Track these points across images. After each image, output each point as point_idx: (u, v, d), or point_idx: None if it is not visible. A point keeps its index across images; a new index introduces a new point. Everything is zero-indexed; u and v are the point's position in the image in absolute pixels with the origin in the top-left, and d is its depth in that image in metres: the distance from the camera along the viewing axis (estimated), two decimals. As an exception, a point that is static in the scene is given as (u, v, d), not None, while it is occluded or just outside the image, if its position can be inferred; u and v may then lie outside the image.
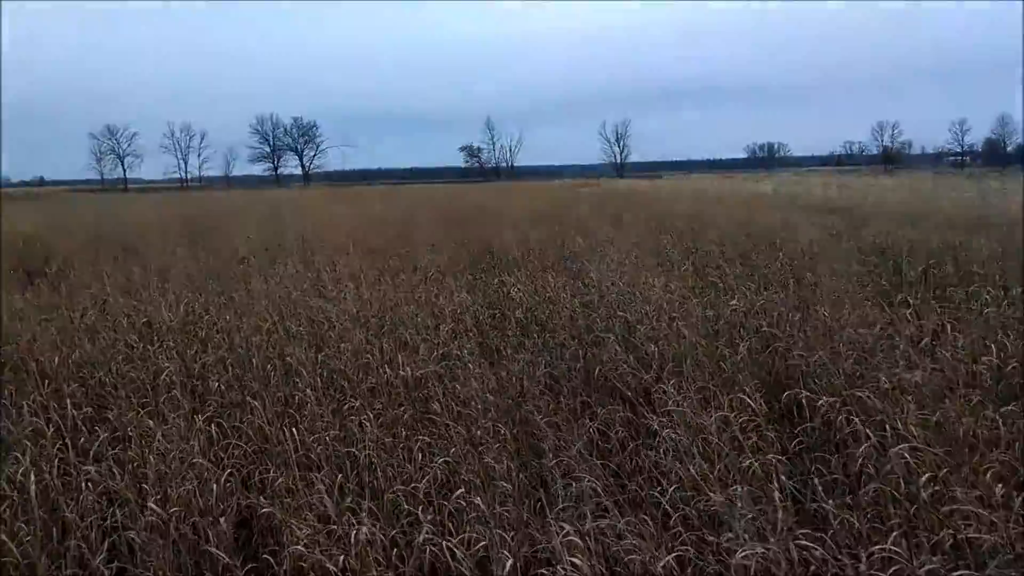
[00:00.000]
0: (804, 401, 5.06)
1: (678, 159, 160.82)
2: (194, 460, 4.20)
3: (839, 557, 3.29)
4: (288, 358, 6.17)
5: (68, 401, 5.04)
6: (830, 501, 3.76)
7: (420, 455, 4.51)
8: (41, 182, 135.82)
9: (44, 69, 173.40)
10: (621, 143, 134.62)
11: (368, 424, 4.81)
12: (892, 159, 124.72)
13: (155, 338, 6.89)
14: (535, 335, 7.15)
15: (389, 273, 9.95)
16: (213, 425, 4.82)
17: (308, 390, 5.42)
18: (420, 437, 4.70)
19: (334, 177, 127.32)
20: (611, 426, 5.04)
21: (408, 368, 5.85)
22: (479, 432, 4.92)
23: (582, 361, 6.28)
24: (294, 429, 4.67)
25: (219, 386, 5.64)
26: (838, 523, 3.58)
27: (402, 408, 5.16)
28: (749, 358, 5.91)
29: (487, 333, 7.43)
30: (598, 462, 4.44)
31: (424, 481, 4.12)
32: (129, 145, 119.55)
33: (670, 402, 5.01)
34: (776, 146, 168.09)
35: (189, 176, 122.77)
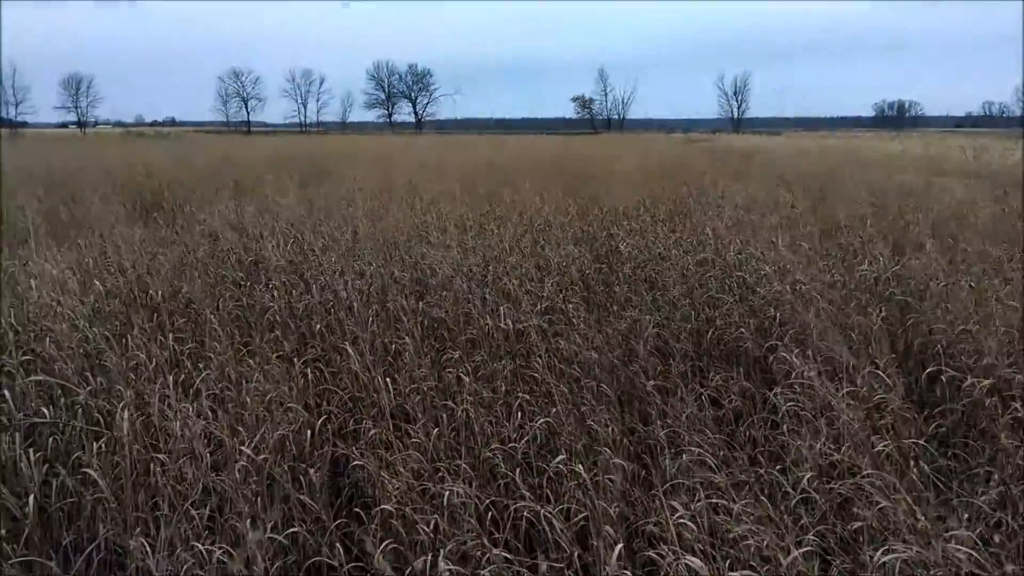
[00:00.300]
0: (946, 380, 4.56)
1: (800, 115, 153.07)
2: (290, 404, 4.11)
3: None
4: (389, 304, 6.05)
5: (171, 336, 5.07)
6: (982, 496, 3.31)
7: (519, 413, 4.28)
8: (172, 122, 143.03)
9: (179, 14, 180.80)
10: (740, 97, 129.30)
11: (467, 377, 4.61)
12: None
13: (261, 276, 6.92)
14: (644, 292, 6.79)
15: (495, 222, 9.71)
16: (311, 369, 4.74)
17: (407, 338, 5.26)
18: (520, 394, 4.48)
19: (446, 125, 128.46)
20: (724, 395, 4.68)
21: (510, 320, 5.61)
22: (582, 392, 4.66)
23: (693, 323, 5.88)
24: (390, 379, 4.52)
25: (320, 328, 5.57)
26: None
27: (503, 363, 4.92)
28: (883, 328, 5.36)
29: (593, 288, 7.13)
30: (709, 434, 4.08)
31: (523, 442, 3.89)
32: (253, 88, 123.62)
33: (792, 373, 4.58)
34: (908, 104, 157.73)
35: (308, 121, 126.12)
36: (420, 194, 12.54)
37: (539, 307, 6.14)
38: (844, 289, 6.24)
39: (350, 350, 4.84)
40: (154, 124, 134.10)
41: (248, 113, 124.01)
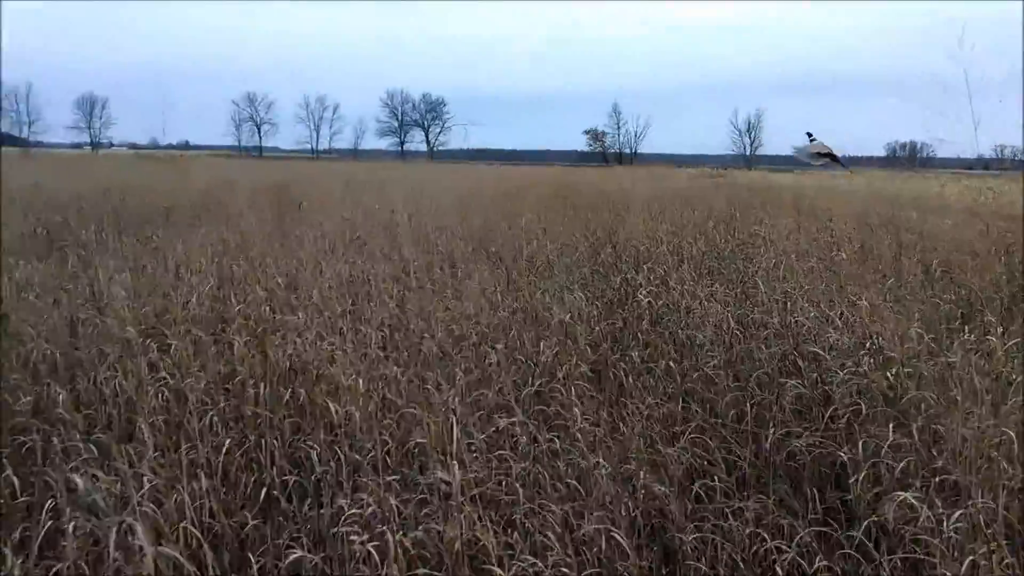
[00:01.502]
0: None
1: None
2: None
3: None
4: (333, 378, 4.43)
5: None
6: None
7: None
8: (186, 145, 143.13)
9: (193, 39, 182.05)
10: (752, 134, 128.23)
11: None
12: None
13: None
14: (671, 358, 5.17)
15: (487, 264, 8.09)
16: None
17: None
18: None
19: (457, 154, 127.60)
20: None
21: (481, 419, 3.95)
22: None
23: (750, 415, 4.21)
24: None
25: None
26: None
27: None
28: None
29: (604, 352, 5.51)
30: None
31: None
32: (267, 113, 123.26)
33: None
34: (920, 145, 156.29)
35: (320, 147, 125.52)
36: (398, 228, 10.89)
37: (530, 384, 4.51)
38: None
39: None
40: (168, 147, 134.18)
41: (260, 138, 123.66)
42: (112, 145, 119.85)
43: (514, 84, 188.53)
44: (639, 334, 5.88)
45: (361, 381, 4.15)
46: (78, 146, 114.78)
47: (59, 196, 14.03)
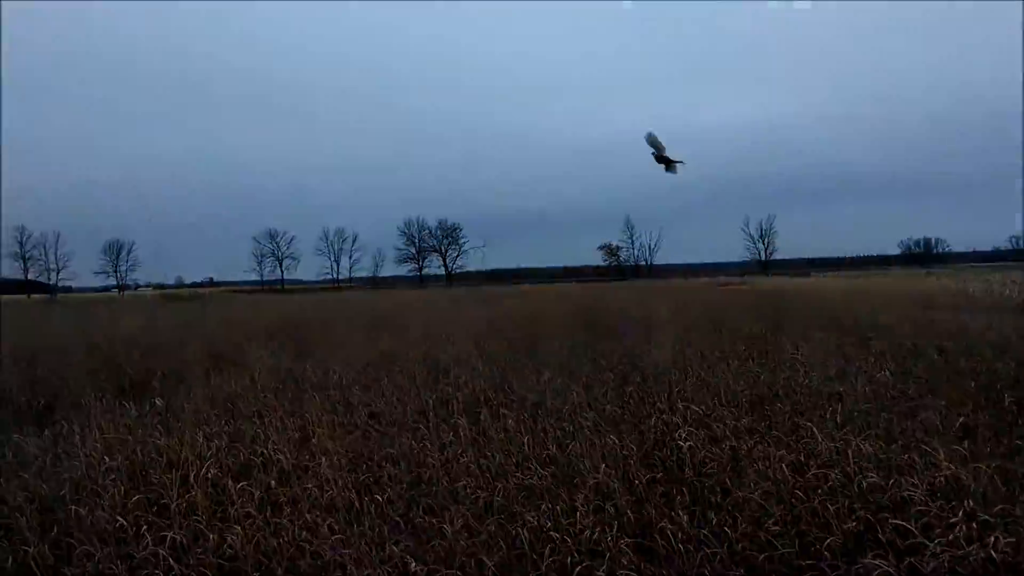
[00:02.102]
0: None
1: (825, 255, 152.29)
2: None
3: None
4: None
5: None
6: None
7: None
8: (211, 282, 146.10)
9: (213, 181, 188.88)
10: (766, 239, 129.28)
11: None
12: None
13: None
14: (721, 517, 4.58)
15: (508, 407, 7.56)
16: None
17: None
18: None
19: (473, 275, 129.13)
20: None
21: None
22: None
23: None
24: None
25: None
26: None
27: None
28: None
29: (644, 507, 4.93)
30: None
31: None
32: (288, 248, 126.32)
33: None
34: (934, 241, 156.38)
35: (340, 276, 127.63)
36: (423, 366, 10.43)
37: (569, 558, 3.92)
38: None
39: None
40: (192, 285, 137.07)
41: (283, 272, 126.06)
42: (138, 287, 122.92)
43: (528, 204, 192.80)
44: (683, 487, 5.29)
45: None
46: (106, 289, 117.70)
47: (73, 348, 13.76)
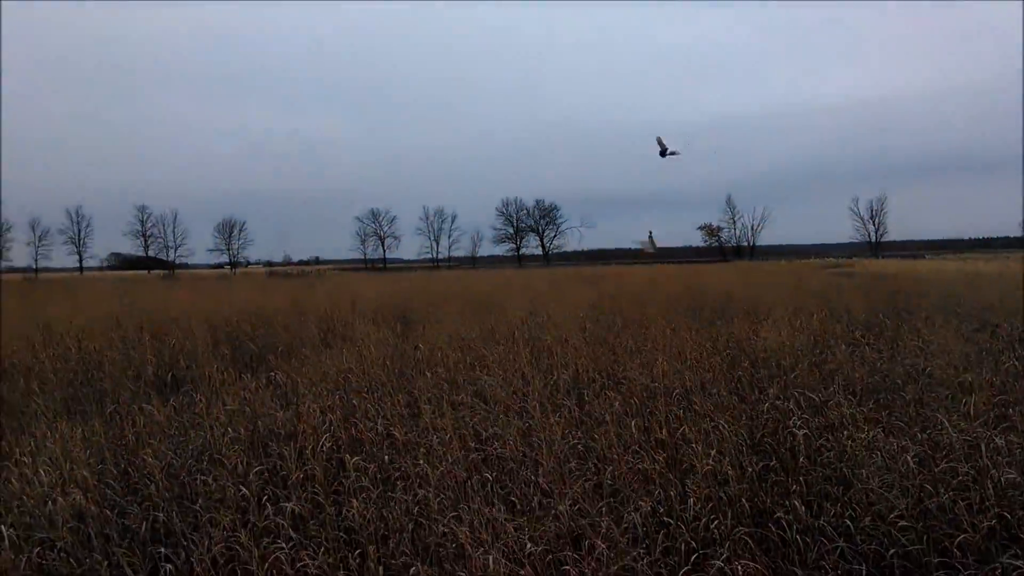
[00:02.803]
0: None
1: (940, 236, 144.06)
2: None
3: None
4: None
5: None
6: None
7: None
8: (316, 261, 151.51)
9: (325, 165, 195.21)
10: (876, 220, 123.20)
11: None
12: None
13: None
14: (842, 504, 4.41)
15: (614, 389, 7.50)
16: None
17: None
18: None
19: (571, 256, 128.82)
20: None
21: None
22: None
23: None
24: None
25: None
26: None
27: None
28: None
29: (759, 496, 4.81)
30: None
31: None
32: (390, 227, 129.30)
33: None
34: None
35: (440, 256, 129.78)
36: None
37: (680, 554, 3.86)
38: None
39: None
40: (300, 263, 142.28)
41: (384, 251, 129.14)
42: (248, 264, 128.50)
43: (626, 183, 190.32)
44: (799, 476, 5.12)
45: (491, 557, 3.64)
46: (219, 266, 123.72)
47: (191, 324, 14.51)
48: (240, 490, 4.97)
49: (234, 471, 5.27)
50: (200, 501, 4.97)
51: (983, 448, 4.66)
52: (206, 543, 4.28)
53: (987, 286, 20.92)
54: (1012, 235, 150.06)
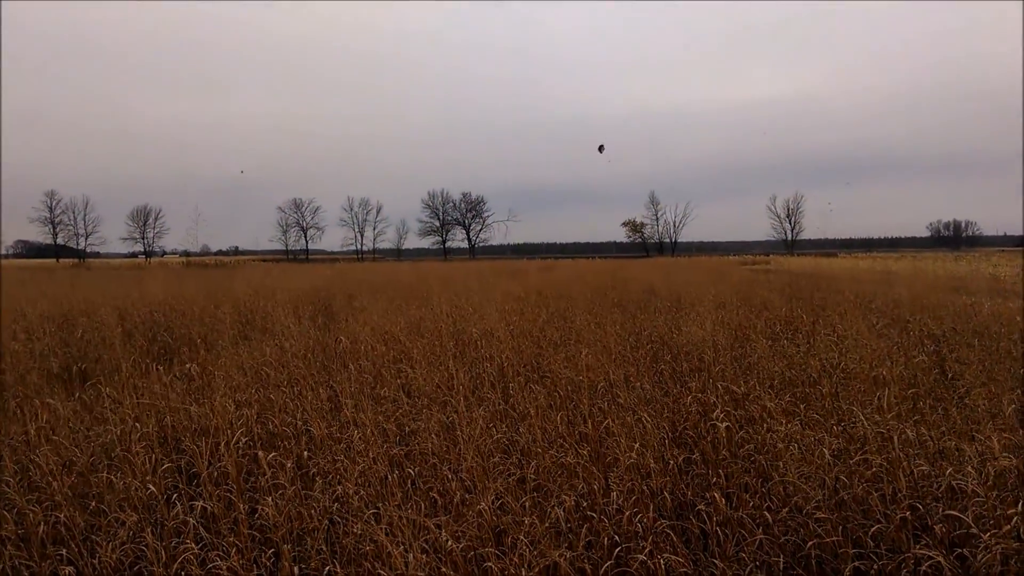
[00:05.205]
0: None
1: (851, 236, 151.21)
2: None
3: None
4: None
5: None
6: None
7: None
8: (235, 251, 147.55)
9: (239, 148, 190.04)
10: (792, 219, 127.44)
11: None
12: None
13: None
14: (759, 501, 4.47)
15: (539, 383, 7.46)
16: None
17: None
18: None
19: (497, 250, 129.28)
20: None
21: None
22: None
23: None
24: None
25: None
26: None
27: None
28: None
29: (680, 488, 4.84)
30: None
31: None
32: (313, 217, 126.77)
33: None
34: (964, 224, 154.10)
35: (364, 248, 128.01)
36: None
37: (603, 546, 3.83)
38: None
39: None
40: (219, 253, 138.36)
41: (307, 241, 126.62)
42: (164, 253, 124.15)
43: (553, 178, 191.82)
44: (719, 468, 5.18)
45: (411, 555, 3.53)
46: (133, 255, 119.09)
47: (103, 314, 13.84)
48: (148, 488, 4.71)
49: (142, 468, 5.00)
50: (106, 500, 4.70)
51: (895, 440, 4.80)
52: (110, 544, 4.03)
53: (898, 283, 21.82)
54: (918, 235, 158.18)
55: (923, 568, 3.54)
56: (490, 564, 3.62)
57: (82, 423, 6.38)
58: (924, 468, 4.45)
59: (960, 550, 3.73)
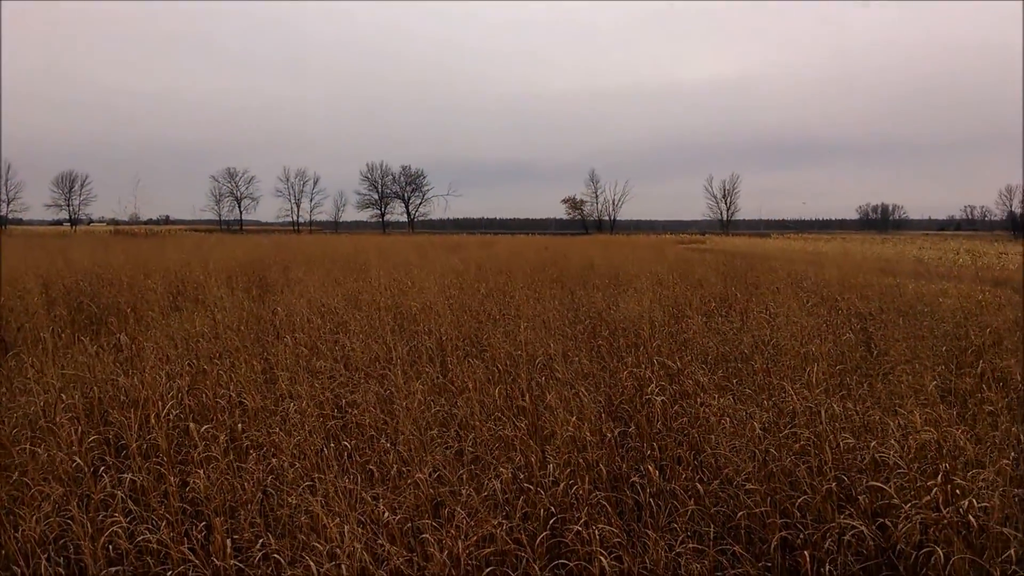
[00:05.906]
0: None
1: (785, 217, 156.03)
2: None
3: None
4: None
5: None
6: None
7: None
8: (166, 220, 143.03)
9: (174, 115, 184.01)
10: (728, 199, 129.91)
11: None
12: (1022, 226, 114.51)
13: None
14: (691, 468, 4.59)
15: (478, 357, 7.47)
16: None
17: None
18: None
19: (437, 224, 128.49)
20: None
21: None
22: None
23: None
24: None
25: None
26: None
27: None
28: None
29: (615, 461, 4.93)
30: None
31: None
32: (247, 187, 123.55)
33: None
34: (891, 208, 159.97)
35: (301, 220, 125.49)
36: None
37: (540, 518, 3.88)
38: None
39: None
40: (149, 222, 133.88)
41: (241, 212, 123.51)
42: (91, 221, 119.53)
43: (493, 153, 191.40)
44: (654, 441, 5.29)
45: (347, 527, 3.51)
46: (58, 223, 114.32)
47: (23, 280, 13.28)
48: (74, 460, 4.57)
49: (67, 440, 4.84)
50: (30, 474, 4.53)
51: (823, 414, 4.97)
52: (34, 517, 3.90)
53: (828, 264, 22.52)
54: (848, 218, 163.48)
55: (847, 537, 3.68)
56: (427, 535, 3.62)
57: (3, 394, 6.13)
58: (850, 441, 4.62)
59: (882, 520, 3.89)
